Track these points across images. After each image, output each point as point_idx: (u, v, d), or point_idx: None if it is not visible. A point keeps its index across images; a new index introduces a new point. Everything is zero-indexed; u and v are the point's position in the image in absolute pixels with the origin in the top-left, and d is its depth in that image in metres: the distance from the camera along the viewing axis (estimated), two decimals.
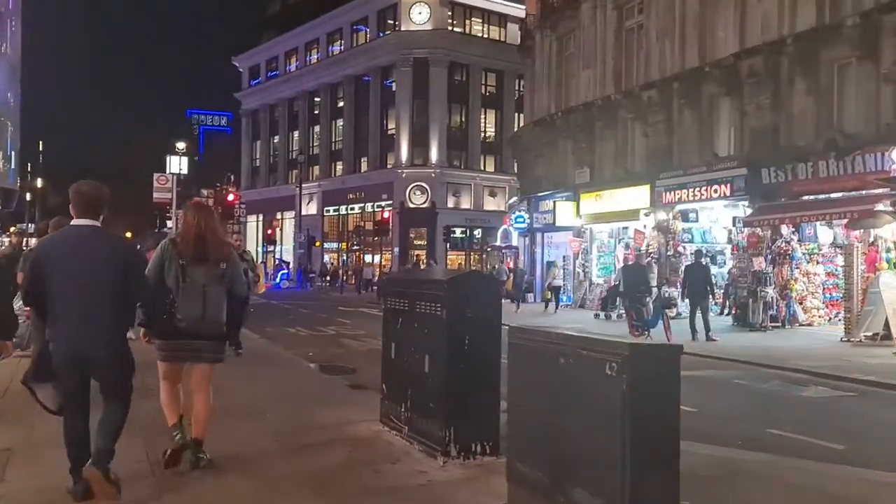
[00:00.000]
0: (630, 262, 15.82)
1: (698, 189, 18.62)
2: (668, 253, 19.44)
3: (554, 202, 24.04)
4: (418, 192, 45.34)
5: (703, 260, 15.71)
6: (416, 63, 45.74)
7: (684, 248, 19.48)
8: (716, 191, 18.09)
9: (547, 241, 26.59)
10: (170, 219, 42.94)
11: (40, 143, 59.37)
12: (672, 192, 19.41)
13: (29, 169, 55.88)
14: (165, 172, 27.24)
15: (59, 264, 3.99)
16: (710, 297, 14.96)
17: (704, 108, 19.34)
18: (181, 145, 43.29)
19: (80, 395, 4.08)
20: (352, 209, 49.86)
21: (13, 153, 46.70)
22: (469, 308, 4.72)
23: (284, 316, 20.41)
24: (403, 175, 45.42)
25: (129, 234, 40.63)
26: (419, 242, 45.66)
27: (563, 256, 23.68)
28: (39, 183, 53.83)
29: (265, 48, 59.21)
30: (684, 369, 3.20)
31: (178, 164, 36.65)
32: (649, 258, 18.64)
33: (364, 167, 49.19)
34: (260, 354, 10.82)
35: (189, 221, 4.76)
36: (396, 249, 44.29)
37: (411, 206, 44.94)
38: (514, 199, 32.11)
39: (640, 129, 21.51)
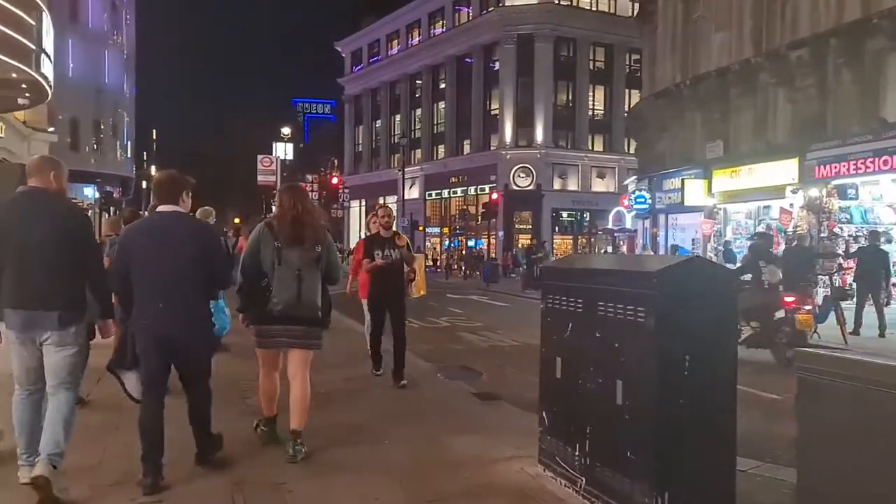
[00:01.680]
0: (793, 244, 13.61)
1: (861, 161, 16.00)
2: (822, 234, 16.93)
3: (682, 180, 21.75)
4: (523, 174, 43.58)
5: (881, 243, 13.28)
6: (521, 40, 43.87)
7: (841, 228, 16.93)
8: (885, 162, 15.46)
9: (671, 223, 24.33)
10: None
11: (154, 132, 61.43)
12: (826, 166, 16.85)
13: (144, 157, 58.06)
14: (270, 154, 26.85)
15: (144, 250, 4.07)
16: (886, 286, 12.62)
17: (868, 66, 16.62)
18: (286, 131, 43.69)
19: (160, 382, 4.15)
20: (454, 193, 48.74)
21: (129, 142, 48.52)
22: (691, 312, 3.16)
23: None
24: (507, 157, 43.79)
25: (237, 221, 41.24)
26: (522, 226, 43.95)
27: (693, 239, 21.42)
28: (154, 171, 55.74)
29: (367, 32, 58.84)
30: None
31: (283, 150, 36.74)
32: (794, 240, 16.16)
33: (467, 149, 47.91)
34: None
35: (284, 204, 4.69)
36: (501, 233, 42.80)
37: (515, 188, 43.27)
38: (632, 178, 29.81)
39: (785, 95, 18.92)
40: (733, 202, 20.69)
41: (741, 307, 7.03)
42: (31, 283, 3.84)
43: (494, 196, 34.78)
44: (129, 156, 48.42)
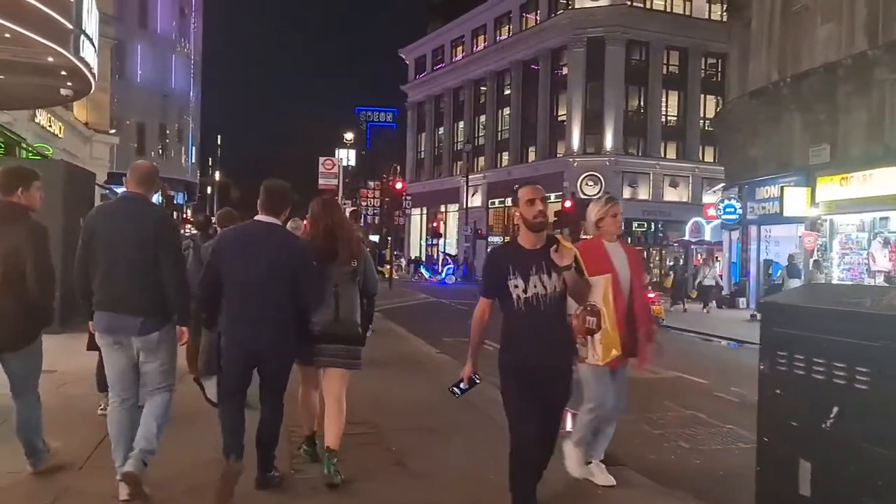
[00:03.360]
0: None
1: None
2: None
3: (781, 188, 19.60)
4: (590, 182, 41.65)
5: None
6: (590, 43, 42.05)
7: None
8: None
9: (764, 236, 22.14)
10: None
11: (218, 137, 61.85)
12: None
13: (209, 163, 58.40)
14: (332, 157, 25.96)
15: (236, 258, 4.10)
16: None
17: None
18: (349, 136, 42.96)
19: (240, 390, 4.17)
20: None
21: (194, 148, 48.70)
22: None
23: (460, 320, 17.73)
24: (575, 164, 41.94)
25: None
26: (589, 237, 41.91)
27: (790, 255, 19.25)
28: (218, 176, 55.94)
29: (431, 38, 57.97)
30: None
31: (345, 156, 36.03)
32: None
33: (532, 157, 46.29)
34: (445, 387, 8.11)
35: (317, 217, 4.57)
36: None
37: (583, 196, 41.28)
38: (719, 186, 27.62)
39: None
40: (842, 213, 18.46)
41: None
42: (118, 286, 3.89)
43: (568, 203, 32.88)
44: (193, 161, 48.55)
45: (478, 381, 3.95)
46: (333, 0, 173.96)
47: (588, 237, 5.12)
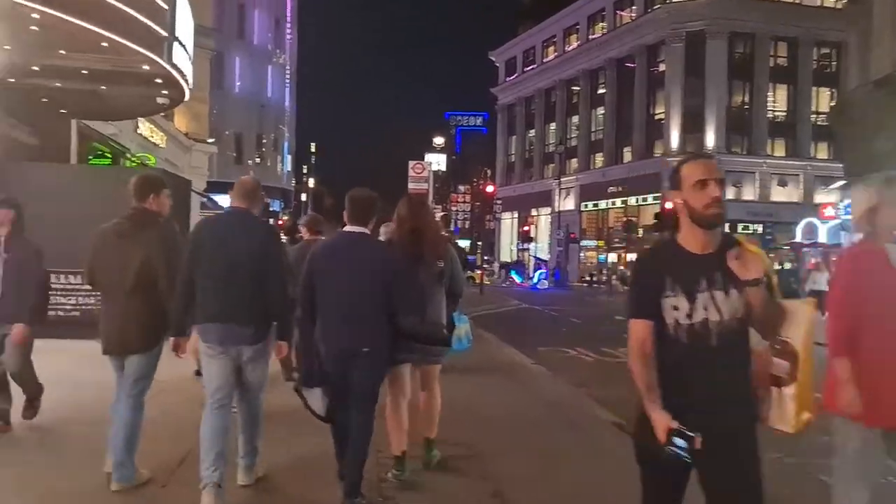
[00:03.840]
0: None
1: None
2: None
3: None
4: None
5: None
6: (690, 37, 40.32)
7: None
8: None
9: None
10: None
11: (312, 145, 63.27)
12: None
13: (304, 170, 59.81)
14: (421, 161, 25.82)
15: (330, 269, 4.11)
16: None
17: None
18: (438, 140, 42.97)
19: (345, 397, 4.12)
20: (612, 203, 45.72)
21: (289, 156, 49.95)
22: None
23: (554, 328, 17.06)
24: (673, 164, 40.05)
25: None
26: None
27: None
28: (312, 183, 57.18)
29: (522, 40, 57.35)
30: None
31: (436, 161, 35.93)
32: None
33: (627, 157, 44.83)
34: (545, 402, 7.53)
35: (404, 217, 4.51)
36: None
37: None
38: (838, 183, 25.64)
39: None
40: None
41: None
42: (229, 297, 3.94)
43: (669, 205, 31.45)
44: (288, 169, 49.79)
45: (691, 435, 2.33)
46: (423, 8, 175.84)
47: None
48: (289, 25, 48.13)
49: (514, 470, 5.00)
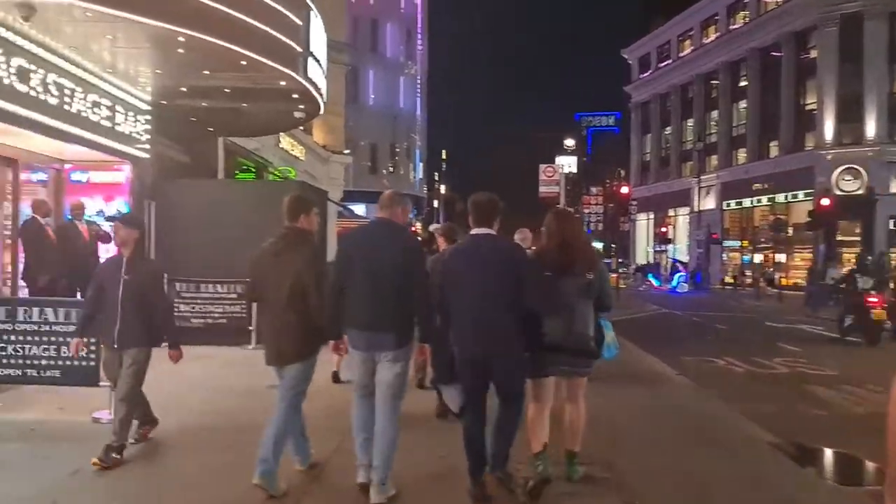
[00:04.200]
0: None
1: None
2: None
3: None
4: (849, 177, 36.64)
5: None
6: (845, 20, 37.09)
7: None
8: None
9: None
10: None
11: (443, 152, 64.13)
12: None
13: (435, 177, 60.72)
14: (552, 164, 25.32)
15: (460, 270, 4.31)
16: None
17: None
18: (569, 142, 42.14)
19: (478, 397, 4.31)
20: (757, 201, 42.89)
21: (421, 164, 50.89)
22: None
23: (699, 335, 16.02)
24: (828, 157, 37.12)
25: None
26: (846, 238, 36.73)
27: None
28: (443, 190, 57.92)
29: (655, 35, 55.23)
30: None
31: (566, 163, 35.24)
32: None
33: (773, 152, 41.88)
34: (691, 418, 7.00)
35: (552, 230, 4.57)
36: (822, 247, 36.25)
37: (839, 193, 36.37)
38: None
39: None
40: None
41: None
42: (373, 305, 4.17)
43: (825, 201, 28.95)
44: (420, 176, 50.73)
45: None
46: (548, 12, 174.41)
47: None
48: (419, 36, 49.08)
49: (661, 497, 4.60)
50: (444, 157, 64.55)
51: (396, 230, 4.39)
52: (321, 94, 10.51)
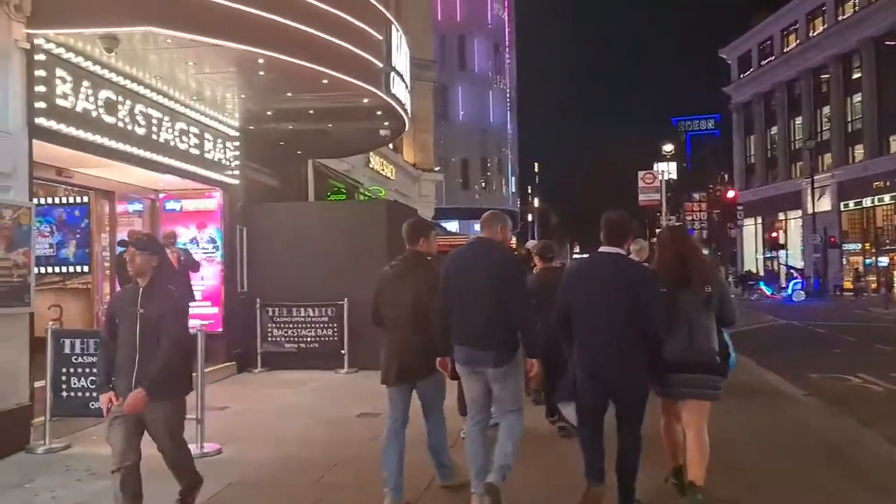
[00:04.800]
0: None
1: None
2: None
3: None
4: None
5: None
6: None
7: None
8: None
9: None
10: (659, 226, 40.36)
11: (535, 165, 63.35)
12: None
13: (528, 191, 60.02)
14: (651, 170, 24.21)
15: (582, 288, 4.30)
16: None
17: None
18: (668, 148, 40.53)
19: (594, 417, 4.29)
20: (879, 200, 39.74)
21: (513, 178, 50.38)
22: None
23: (824, 349, 14.54)
24: None
25: None
26: None
27: None
28: (537, 203, 57.12)
29: (756, 32, 52.65)
30: None
31: (666, 170, 33.90)
32: None
33: (894, 147, 38.76)
34: (825, 445, 6.14)
35: (666, 244, 4.59)
36: None
37: None
38: None
39: None
40: None
41: None
42: (472, 323, 4.30)
43: None
44: (513, 190, 50.23)
45: None
46: (637, 18, 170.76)
47: None
48: (507, 49, 48.83)
49: None
50: (536, 169, 63.79)
51: (495, 248, 4.50)
52: (405, 110, 10.25)
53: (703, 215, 58.82)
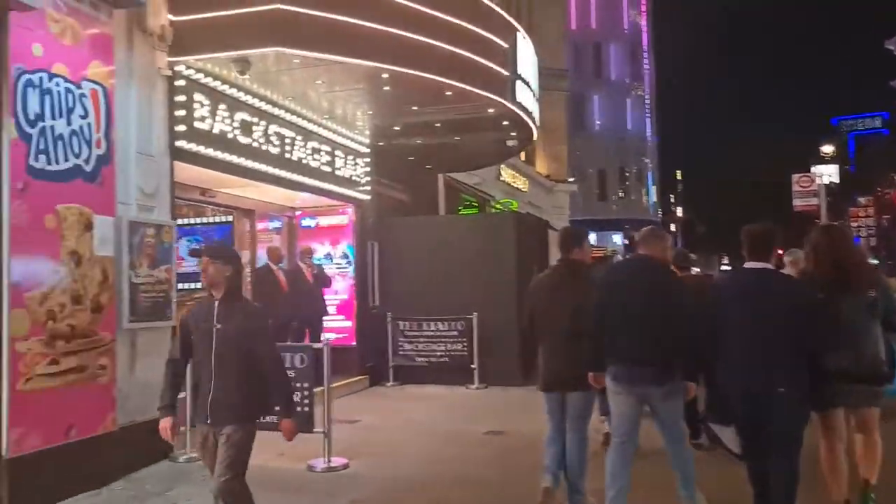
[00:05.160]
0: None
1: None
2: None
3: None
4: None
5: None
6: None
7: None
8: None
9: None
10: None
11: (678, 172, 60.61)
12: None
13: (671, 200, 57.50)
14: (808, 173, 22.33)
15: (734, 307, 4.06)
16: None
17: None
18: (827, 149, 37.48)
19: (757, 439, 3.99)
20: None
21: (654, 187, 48.40)
22: None
23: None
24: None
25: (779, 252, 36.39)
26: None
27: None
28: (680, 212, 54.61)
29: None
30: None
31: (825, 173, 31.34)
32: None
33: None
34: None
35: (821, 246, 4.30)
36: None
37: None
38: None
39: None
40: None
41: None
42: (631, 340, 4.18)
43: None
44: (654, 200, 48.36)
45: None
46: (787, 10, 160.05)
47: None
48: (645, 55, 47.22)
49: None
50: (678, 177, 61.02)
51: (653, 266, 4.39)
52: (533, 119, 9.98)
53: (871, 221, 53.72)
